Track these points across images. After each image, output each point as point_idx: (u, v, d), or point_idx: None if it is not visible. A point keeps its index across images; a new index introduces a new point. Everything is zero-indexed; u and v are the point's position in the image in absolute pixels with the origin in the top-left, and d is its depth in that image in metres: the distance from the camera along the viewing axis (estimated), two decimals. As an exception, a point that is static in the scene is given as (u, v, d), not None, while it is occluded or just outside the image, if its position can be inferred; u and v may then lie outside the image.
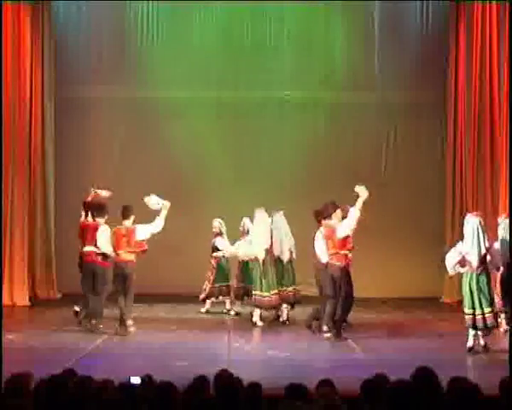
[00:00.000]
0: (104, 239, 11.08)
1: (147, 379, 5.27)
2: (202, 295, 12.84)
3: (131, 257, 10.99)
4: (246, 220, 12.33)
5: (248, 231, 12.23)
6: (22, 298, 13.93)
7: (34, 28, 14.35)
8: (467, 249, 9.75)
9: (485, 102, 13.90)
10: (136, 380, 5.19)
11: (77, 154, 14.94)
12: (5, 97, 13.63)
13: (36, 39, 14.40)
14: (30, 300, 14.05)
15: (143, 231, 10.98)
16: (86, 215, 11.44)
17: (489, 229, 12.66)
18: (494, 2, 13.73)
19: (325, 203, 10.89)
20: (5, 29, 13.62)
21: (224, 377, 5.23)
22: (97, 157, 15.02)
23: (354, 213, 10.41)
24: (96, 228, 11.13)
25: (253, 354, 9.74)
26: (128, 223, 11.08)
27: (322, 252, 10.71)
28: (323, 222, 10.84)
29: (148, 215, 11.23)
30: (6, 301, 13.34)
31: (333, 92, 15.18)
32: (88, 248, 11.19)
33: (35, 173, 14.43)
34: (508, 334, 10.58)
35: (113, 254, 11.07)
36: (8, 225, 13.90)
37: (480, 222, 9.82)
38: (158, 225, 10.94)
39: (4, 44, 13.62)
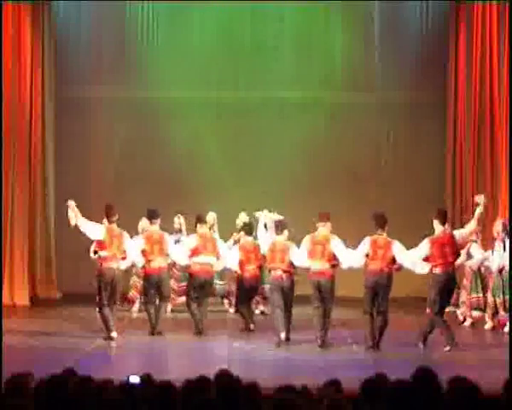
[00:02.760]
0: (176, 248, 11.23)
1: (146, 378, 5.28)
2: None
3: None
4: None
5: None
6: (22, 298, 13.92)
7: (34, 28, 14.34)
8: None
9: (485, 102, 13.89)
10: (135, 379, 5.19)
11: (77, 154, 14.94)
12: (5, 97, 13.62)
13: (36, 39, 14.39)
14: (30, 300, 14.04)
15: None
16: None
17: (489, 229, 12.76)
18: (494, 2, 13.72)
19: (441, 208, 10.63)
20: (5, 29, 13.62)
21: (224, 377, 5.23)
22: (97, 157, 15.02)
23: (473, 224, 10.23)
24: (162, 237, 10.98)
25: (253, 354, 9.74)
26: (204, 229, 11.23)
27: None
28: (446, 226, 10.14)
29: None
30: (6, 301, 13.32)
31: (333, 92, 15.18)
32: (161, 259, 10.92)
33: (35, 173, 14.42)
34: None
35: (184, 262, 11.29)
36: (8, 225, 13.89)
37: None
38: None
39: (4, 44, 13.61)
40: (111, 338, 10.43)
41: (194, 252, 10.96)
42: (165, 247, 10.91)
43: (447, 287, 10.01)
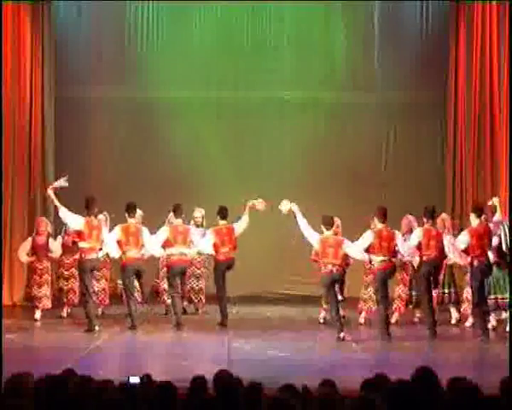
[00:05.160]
0: (151, 240, 11.45)
1: (145, 379, 5.28)
2: None
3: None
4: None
5: None
6: (22, 298, 13.91)
7: (34, 28, 14.35)
8: None
9: (485, 102, 13.90)
10: (135, 380, 5.19)
11: (77, 154, 14.93)
12: (5, 97, 13.63)
13: (36, 39, 14.39)
14: (30, 300, 14.04)
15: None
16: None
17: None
18: (494, 2, 13.73)
19: (476, 202, 11.73)
20: (5, 29, 13.63)
21: (224, 377, 5.23)
22: (97, 157, 15.01)
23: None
24: (139, 230, 11.34)
25: (253, 354, 9.74)
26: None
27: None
28: (482, 219, 10.93)
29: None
30: (6, 301, 13.33)
31: (333, 92, 15.17)
32: (136, 251, 11.28)
33: (35, 173, 14.42)
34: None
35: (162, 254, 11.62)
36: (8, 225, 13.90)
37: None
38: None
39: (4, 44, 13.62)
40: (93, 331, 10.87)
41: (166, 244, 11.38)
42: (140, 239, 11.27)
43: (485, 277, 10.77)
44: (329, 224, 10.70)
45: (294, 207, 10.82)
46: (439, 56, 14.85)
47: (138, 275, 11.47)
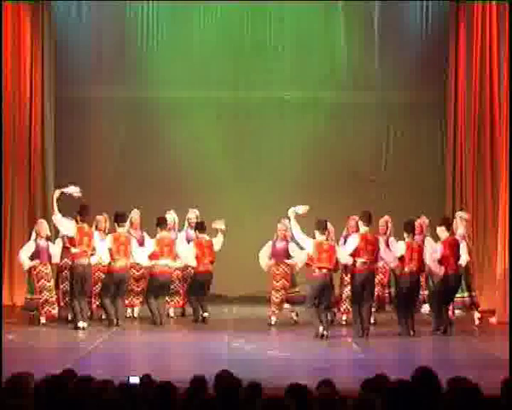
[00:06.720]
0: (139, 251, 11.81)
1: (145, 379, 5.28)
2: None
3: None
4: None
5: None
6: (22, 298, 13.90)
7: (34, 28, 14.34)
8: None
9: (485, 102, 13.89)
10: (134, 380, 5.20)
11: (77, 154, 14.93)
12: (5, 97, 13.63)
13: (36, 39, 14.38)
14: (30, 300, 14.03)
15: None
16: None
17: (489, 230, 12.84)
18: (494, 2, 13.71)
19: (444, 217, 12.23)
20: (5, 29, 13.62)
21: (224, 377, 5.23)
22: (97, 157, 15.01)
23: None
24: (129, 239, 11.72)
25: (253, 354, 9.75)
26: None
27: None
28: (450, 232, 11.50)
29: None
30: (6, 301, 13.33)
31: (333, 92, 15.17)
32: (125, 260, 11.64)
33: (35, 173, 14.41)
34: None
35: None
36: (8, 225, 13.90)
37: None
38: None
39: (4, 44, 13.61)
40: (77, 328, 11.16)
41: (153, 257, 11.79)
42: (129, 249, 11.65)
43: (458, 284, 11.36)
44: (323, 228, 10.84)
45: (290, 213, 11.01)
46: (439, 56, 14.85)
47: (120, 282, 11.65)
